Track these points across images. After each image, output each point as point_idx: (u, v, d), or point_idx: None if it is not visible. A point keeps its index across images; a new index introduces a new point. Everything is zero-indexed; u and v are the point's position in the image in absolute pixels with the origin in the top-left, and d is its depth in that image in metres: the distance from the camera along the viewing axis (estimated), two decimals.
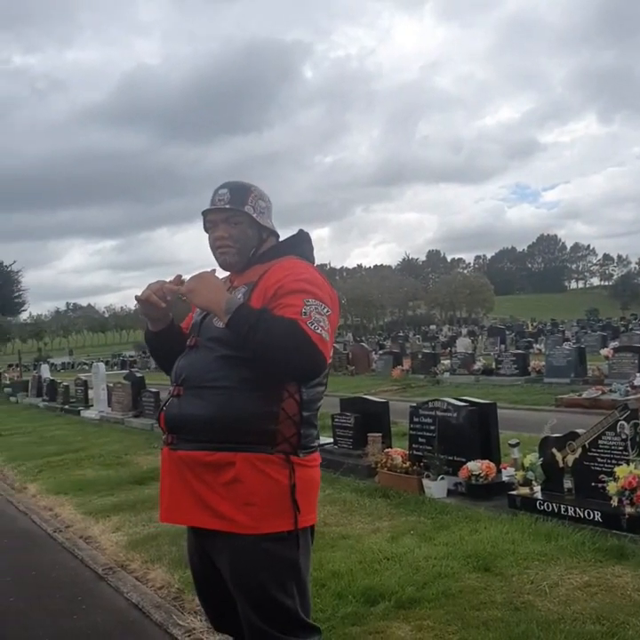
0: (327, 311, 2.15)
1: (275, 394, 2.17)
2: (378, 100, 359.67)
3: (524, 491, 5.31)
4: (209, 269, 2.33)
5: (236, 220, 2.33)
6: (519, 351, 19.84)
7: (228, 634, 2.48)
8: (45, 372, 23.52)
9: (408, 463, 6.30)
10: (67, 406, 17.64)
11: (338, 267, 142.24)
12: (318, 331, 2.07)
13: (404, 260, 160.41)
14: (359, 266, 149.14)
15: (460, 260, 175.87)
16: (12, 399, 22.45)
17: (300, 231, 2.49)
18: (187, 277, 2.33)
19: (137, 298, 2.41)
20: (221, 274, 2.50)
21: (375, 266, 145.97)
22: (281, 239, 2.47)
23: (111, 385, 15.72)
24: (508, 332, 34.56)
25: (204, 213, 2.40)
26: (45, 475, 8.57)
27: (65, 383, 19.29)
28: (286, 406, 2.17)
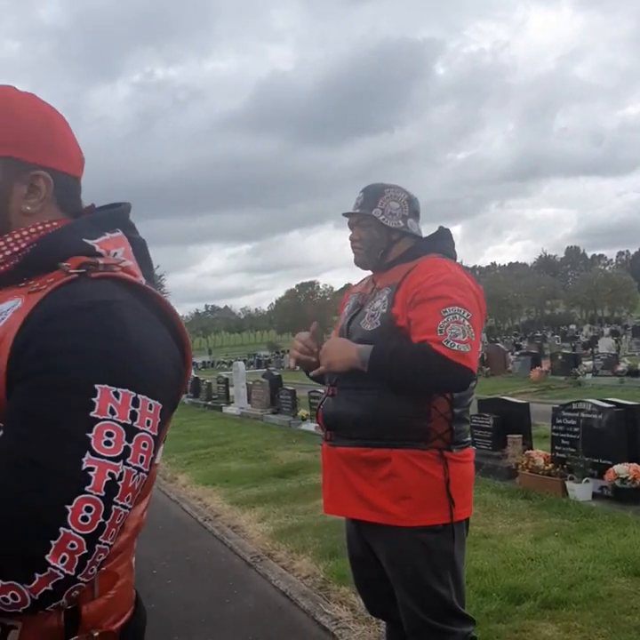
0: (468, 315, 2.17)
1: (425, 393, 2.24)
2: (513, 94, 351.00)
3: None
4: (311, 329, 2.52)
5: (365, 222, 2.44)
6: None
7: (382, 619, 2.59)
8: None
9: (550, 465, 6.18)
10: (209, 402, 18.46)
11: (471, 265, 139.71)
12: (455, 347, 2.10)
13: (540, 257, 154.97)
14: (493, 264, 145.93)
15: (601, 256, 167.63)
16: None
17: (441, 228, 2.54)
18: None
19: (292, 365, 2.58)
20: (361, 273, 2.61)
21: (510, 264, 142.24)
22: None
23: (250, 383, 16.29)
24: None
25: (344, 215, 2.52)
26: (194, 466, 9.05)
27: (207, 381, 20.17)
28: (437, 404, 2.24)
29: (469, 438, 2.40)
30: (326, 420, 2.42)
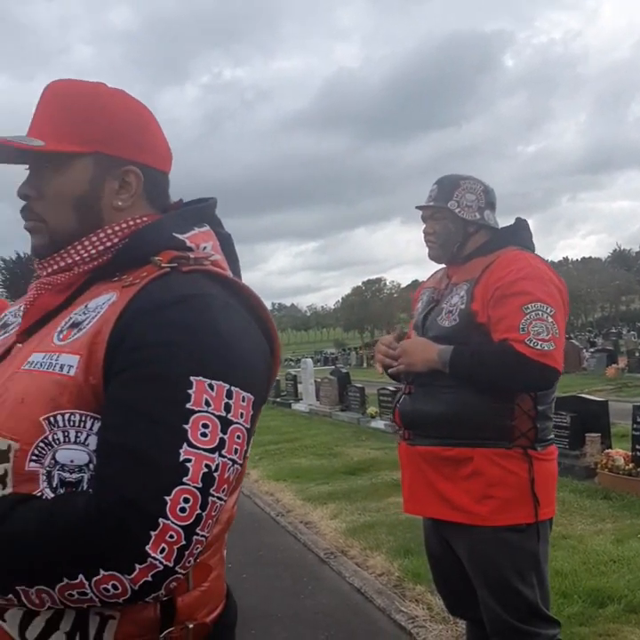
0: (551, 311, 2.11)
1: (508, 392, 2.19)
2: (584, 84, 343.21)
3: None
4: (396, 332, 2.46)
5: (439, 215, 2.38)
6: None
7: (463, 618, 2.54)
8: None
9: (631, 465, 5.98)
10: (278, 399, 18.59)
11: None
12: (538, 346, 2.06)
13: (615, 251, 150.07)
14: (565, 259, 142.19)
15: None
16: None
17: (518, 219, 2.47)
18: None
19: (380, 370, 2.53)
20: (429, 269, 2.56)
21: (583, 258, 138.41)
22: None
23: (318, 380, 16.32)
24: None
25: (417, 208, 2.47)
26: (265, 462, 9.12)
27: (276, 378, 20.33)
28: (521, 402, 2.19)
29: (553, 436, 2.33)
30: (404, 419, 2.38)
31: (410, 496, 2.37)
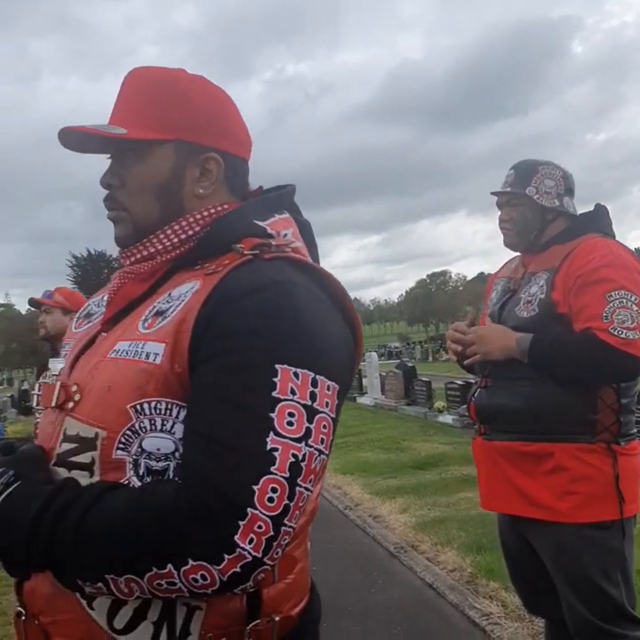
0: (636, 299, 2.03)
1: (590, 384, 2.11)
2: None
3: None
4: (468, 317, 2.39)
5: (517, 202, 2.30)
6: None
7: (542, 616, 2.47)
8: None
9: None
10: None
11: None
12: (623, 334, 1.99)
13: None
14: (637, 250, 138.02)
15: None
16: None
17: (597, 205, 2.37)
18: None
19: (453, 358, 2.48)
20: (501, 258, 2.49)
21: None
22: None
23: (383, 374, 16.26)
24: None
25: (493, 194, 2.40)
26: (331, 455, 9.08)
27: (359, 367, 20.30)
28: (603, 395, 2.11)
29: (635, 430, 2.24)
30: (480, 413, 2.31)
31: (487, 492, 2.31)
